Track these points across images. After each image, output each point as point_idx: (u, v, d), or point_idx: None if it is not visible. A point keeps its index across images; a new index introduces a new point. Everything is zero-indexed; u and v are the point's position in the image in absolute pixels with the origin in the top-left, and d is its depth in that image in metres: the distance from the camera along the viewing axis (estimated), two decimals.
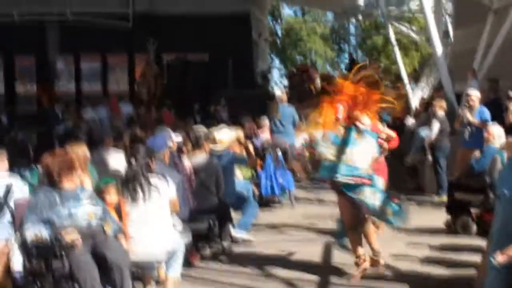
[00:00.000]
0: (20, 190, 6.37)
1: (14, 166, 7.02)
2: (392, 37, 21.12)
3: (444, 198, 11.40)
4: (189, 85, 22.47)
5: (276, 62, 51.45)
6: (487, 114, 11.72)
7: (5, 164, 6.57)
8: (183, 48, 24.83)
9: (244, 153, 10.01)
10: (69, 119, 16.40)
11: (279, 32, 51.38)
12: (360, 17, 33.00)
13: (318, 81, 24.13)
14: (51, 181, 5.74)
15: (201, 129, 9.10)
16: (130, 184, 6.25)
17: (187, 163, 8.07)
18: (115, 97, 22.02)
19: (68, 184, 5.74)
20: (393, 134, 7.33)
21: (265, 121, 13.89)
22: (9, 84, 25.92)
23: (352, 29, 36.33)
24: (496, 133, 10.13)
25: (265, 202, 11.74)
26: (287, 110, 13.34)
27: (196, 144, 8.23)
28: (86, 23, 25.46)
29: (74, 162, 5.85)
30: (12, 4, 25.35)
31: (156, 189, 6.26)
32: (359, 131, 7.07)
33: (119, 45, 25.92)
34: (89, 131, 10.28)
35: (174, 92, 22.34)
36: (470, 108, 11.70)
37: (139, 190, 6.19)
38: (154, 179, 6.33)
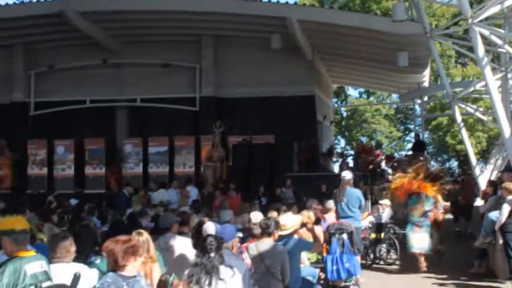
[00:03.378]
0: (89, 278, 6.42)
1: (84, 253, 7.09)
2: (458, 118, 20.91)
3: None
4: (254, 167, 22.58)
5: (342, 143, 51.53)
6: None
7: (72, 252, 6.63)
8: (249, 131, 25.14)
9: (311, 237, 9.93)
10: (138, 203, 16.63)
11: (344, 114, 51.62)
12: (425, 98, 32.95)
13: (383, 163, 24.32)
14: (115, 266, 5.79)
15: (271, 215, 9.10)
16: (199, 275, 6.28)
17: (247, 258, 8.04)
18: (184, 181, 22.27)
19: (132, 269, 5.78)
20: None
21: (331, 204, 13.80)
22: (79, 167, 26.54)
23: (417, 109, 36.17)
24: None
25: (331, 287, 11.54)
26: (353, 193, 13.27)
27: (266, 231, 8.19)
28: (154, 108, 26.22)
29: (138, 248, 5.90)
30: (86, 91, 26.38)
31: (223, 281, 6.27)
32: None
33: (186, 128, 26.45)
34: (155, 217, 10.39)
35: (239, 174, 22.49)
36: None
37: (206, 282, 6.22)
38: (222, 270, 6.34)
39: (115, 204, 17.00)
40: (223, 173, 23.22)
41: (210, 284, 6.24)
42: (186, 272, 6.46)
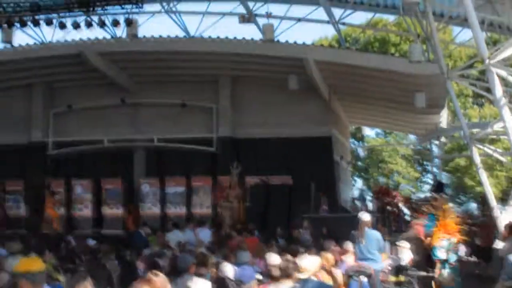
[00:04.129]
0: None
1: None
2: (477, 159, 20.76)
3: None
4: (271, 208, 22.50)
5: (359, 183, 51.30)
6: None
7: None
8: (266, 171, 25.18)
9: (330, 280, 9.83)
10: (155, 243, 16.55)
11: (361, 154, 51.47)
12: (442, 139, 32.86)
13: (400, 204, 24.25)
14: None
15: (289, 257, 9.02)
16: None
17: None
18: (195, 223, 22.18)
19: None
20: None
21: (349, 246, 13.68)
22: (96, 207, 26.52)
23: (435, 150, 36.02)
24: None
25: None
26: (372, 235, 13.16)
27: (285, 273, 8.10)
28: (171, 148, 26.32)
29: None
30: (103, 131, 26.55)
31: None
32: None
33: (203, 168, 26.49)
34: (173, 258, 10.29)
35: (256, 215, 22.40)
36: None
37: None
38: None
39: (132, 244, 16.92)
40: (240, 214, 23.15)
41: None
42: None
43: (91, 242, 16.42)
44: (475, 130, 24.03)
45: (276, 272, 8.27)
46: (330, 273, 9.46)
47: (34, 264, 6.20)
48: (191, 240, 17.85)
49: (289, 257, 9.26)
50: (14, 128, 27.59)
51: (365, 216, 13.48)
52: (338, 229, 18.89)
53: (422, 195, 37.37)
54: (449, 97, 24.84)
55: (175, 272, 9.01)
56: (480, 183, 31.31)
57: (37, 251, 12.97)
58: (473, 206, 43.38)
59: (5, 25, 21.04)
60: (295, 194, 23.06)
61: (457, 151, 42.71)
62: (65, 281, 8.87)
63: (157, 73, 26.68)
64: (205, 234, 19.18)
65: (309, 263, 9.00)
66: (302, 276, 8.66)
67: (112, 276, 8.14)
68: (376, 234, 13.32)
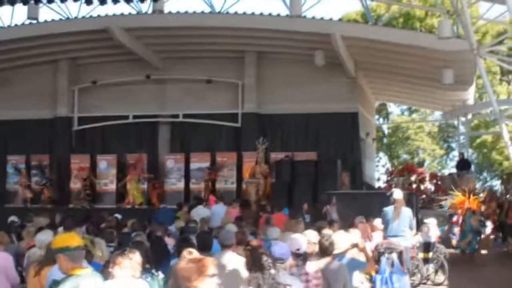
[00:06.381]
0: None
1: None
2: (506, 135, 20.54)
3: None
4: (297, 184, 22.34)
5: (383, 160, 51.05)
6: None
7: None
8: (291, 147, 25.07)
9: (362, 257, 9.70)
10: (181, 219, 16.47)
11: (386, 131, 51.18)
12: (469, 116, 32.51)
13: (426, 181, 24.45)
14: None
15: (328, 233, 8.91)
16: None
17: (312, 268, 7.78)
18: (213, 196, 22.14)
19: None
20: None
21: (379, 223, 13.57)
22: (119, 181, 26.46)
23: (461, 127, 35.68)
24: None
25: None
26: (404, 212, 13.02)
27: (326, 251, 7.99)
28: (196, 124, 26.26)
29: (206, 268, 5.65)
30: (128, 107, 26.53)
31: None
32: None
33: (228, 144, 26.45)
34: (201, 234, 10.09)
35: (282, 191, 22.26)
36: None
37: None
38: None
39: (158, 220, 16.85)
40: (266, 190, 23.07)
41: None
42: None
43: (119, 217, 16.36)
44: (503, 107, 23.81)
45: (311, 249, 8.16)
46: (363, 250, 9.33)
47: (73, 239, 6.07)
48: (215, 216, 17.73)
49: (327, 233, 9.16)
50: (40, 104, 27.68)
51: (400, 194, 13.31)
52: (366, 205, 18.77)
53: (447, 172, 37.08)
54: (478, 73, 24.52)
55: (205, 249, 8.85)
56: (507, 158, 31.16)
57: (65, 226, 12.97)
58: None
59: (32, 1, 20.87)
60: (321, 171, 22.81)
61: (484, 128, 42.41)
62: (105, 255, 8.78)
63: (183, 49, 26.55)
64: (220, 210, 18.80)
65: (343, 240, 8.90)
66: (335, 252, 8.55)
67: (149, 252, 7.98)
68: (408, 211, 13.17)
